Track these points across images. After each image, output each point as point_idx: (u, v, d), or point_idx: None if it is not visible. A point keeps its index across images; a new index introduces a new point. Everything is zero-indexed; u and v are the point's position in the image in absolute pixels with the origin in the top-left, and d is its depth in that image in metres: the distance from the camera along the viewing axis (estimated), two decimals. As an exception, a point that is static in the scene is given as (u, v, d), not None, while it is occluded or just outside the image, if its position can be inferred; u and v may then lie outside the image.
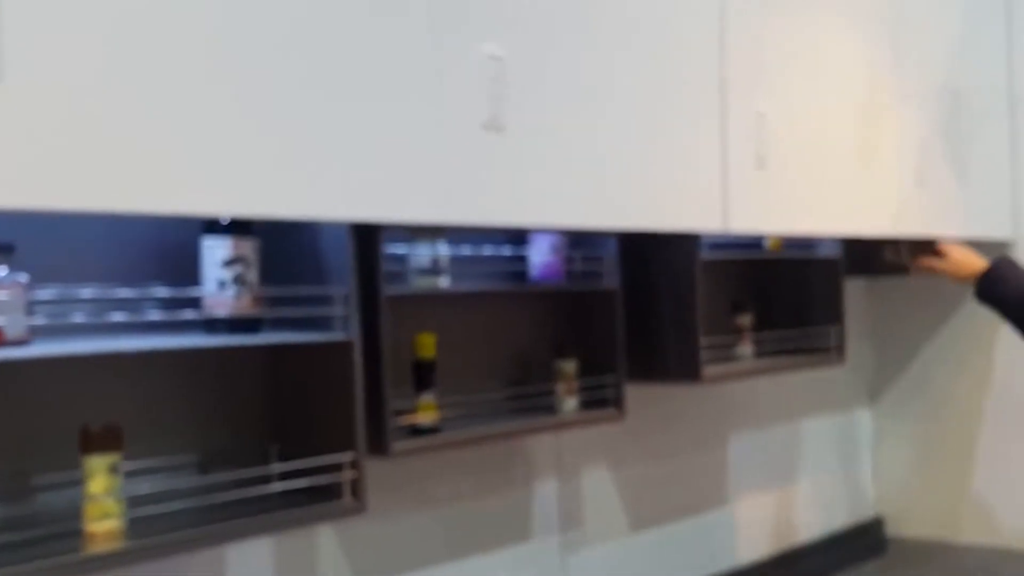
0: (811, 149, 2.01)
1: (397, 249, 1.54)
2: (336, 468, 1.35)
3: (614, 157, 1.60)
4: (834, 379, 2.69)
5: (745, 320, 2.19)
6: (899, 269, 2.37)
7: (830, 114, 2.07)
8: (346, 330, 1.33)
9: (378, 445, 1.42)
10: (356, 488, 1.35)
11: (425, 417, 1.56)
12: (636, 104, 1.64)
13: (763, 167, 1.87)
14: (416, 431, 1.55)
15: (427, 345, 1.58)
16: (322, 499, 1.35)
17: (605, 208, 1.60)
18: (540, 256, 1.80)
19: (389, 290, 1.43)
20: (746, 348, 2.18)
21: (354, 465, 1.35)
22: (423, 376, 1.57)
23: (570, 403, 1.78)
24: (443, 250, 1.58)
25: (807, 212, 2.01)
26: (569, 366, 1.78)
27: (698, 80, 1.76)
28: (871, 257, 2.37)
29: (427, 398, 1.57)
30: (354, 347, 1.34)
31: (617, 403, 1.80)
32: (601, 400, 1.81)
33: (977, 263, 2.10)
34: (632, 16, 1.63)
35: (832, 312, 2.26)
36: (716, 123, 1.78)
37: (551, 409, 1.78)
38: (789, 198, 1.95)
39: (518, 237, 1.81)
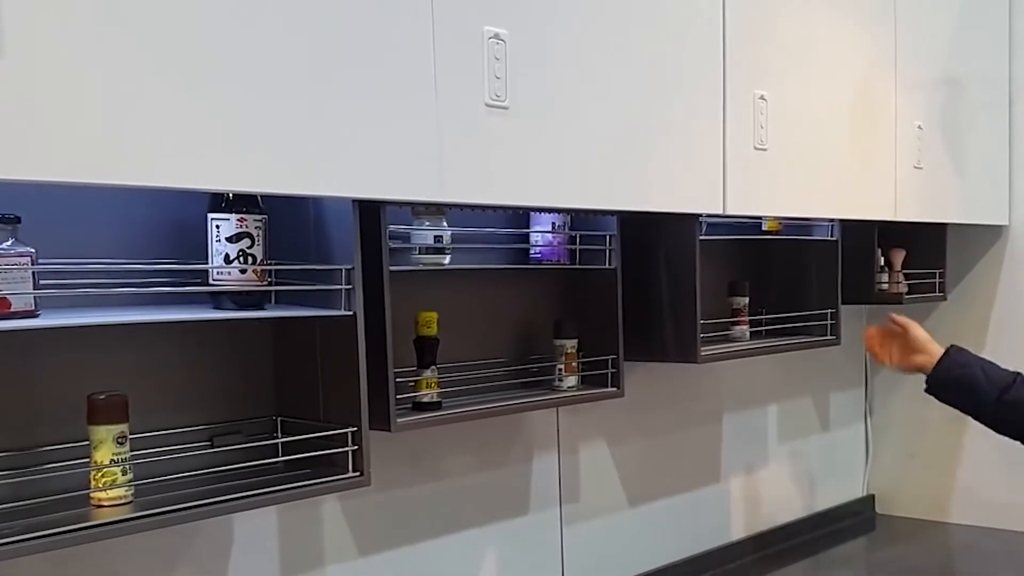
0: (810, 133, 2.02)
1: (401, 227, 1.55)
2: (340, 441, 1.37)
3: (616, 138, 1.61)
4: (828, 359, 2.72)
5: (742, 301, 2.21)
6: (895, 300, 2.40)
7: (829, 99, 2.08)
8: (350, 305, 1.35)
9: (381, 420, 1.44)
10: (359, 461, 1.37)
11: (427, 393, 1.58)
12: (639, 86, 1.65)
13: (762, 150, 1.88)
14: (419, 406, 1.57)
15: (430, 322, 1.60)
16: (326, 471, 1.37)
17: (606, 189, 1.61)
18: (542, 235, 1.81)
19: (393, 267, 1.45)
20: (743, 329, 2.20)
21: (357, 438, 1.36)
22: (426, 352, 1.59)
23: (570, 380, 1.80)
24: (446, 228, 1.60)
25: (805, 196, 2.03)
26: (569, 344, 1.80)
27: (700, 62, 1.77)
28: (867, 287, 2.42)
29: (429, 374, 1.59)
30: (358, 321, 1.35)
31: (616, 381, 1.82)
32: (601, 377, 1.83)
33: (927, 356, 1.77)
34: (636, -1, 1.64)
35: (828, 293, 2.28)
36: (717, 105, 1.79)
37: (551, 386, 1.80)
38: (788, 181, 1.96)
39: (520, 216, 1.82)
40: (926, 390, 1.78)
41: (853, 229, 2.29)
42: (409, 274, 1.59)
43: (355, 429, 1.36)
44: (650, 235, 1.91)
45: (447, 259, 1.61)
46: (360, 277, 1.35)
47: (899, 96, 2.26)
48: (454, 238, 1.62)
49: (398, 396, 1.48)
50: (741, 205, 1.84)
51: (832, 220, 2.23)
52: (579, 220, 1.82)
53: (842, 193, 2.13)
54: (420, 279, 1.66)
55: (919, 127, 2.33)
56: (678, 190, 1.74)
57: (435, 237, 1.59)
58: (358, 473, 1.37)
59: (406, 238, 1.58)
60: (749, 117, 1.85)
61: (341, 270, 1.35)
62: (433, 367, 1.59)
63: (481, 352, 1.81)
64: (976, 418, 1.78)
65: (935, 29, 2.41)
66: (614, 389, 1.83)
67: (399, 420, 1.48)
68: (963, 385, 1.73)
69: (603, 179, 1.60)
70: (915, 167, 2.33)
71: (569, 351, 1.80)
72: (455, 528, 1.86)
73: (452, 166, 1.38)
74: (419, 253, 1.59)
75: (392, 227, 1.46)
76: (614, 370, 1.82)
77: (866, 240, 2.39)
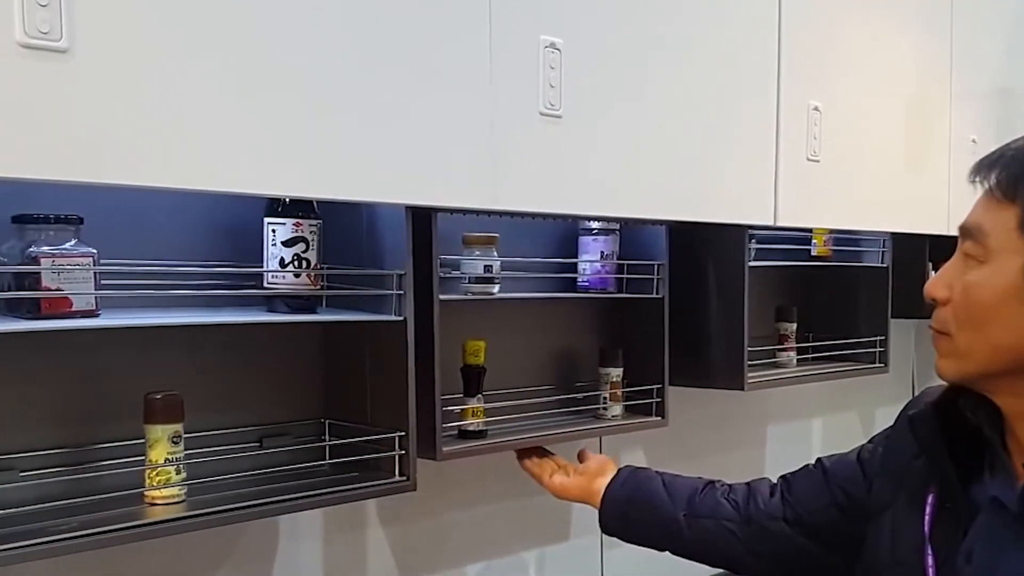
0: (863, 145, 2.00)
1: (452, 256, 1.55)
2: (387, 445, 1.37)
3: (668, 148, 1.61)
4: (875, 377, 2.66)
5: (789, 327, 2.18)
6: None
7: (882, 110, 2.06)
8: (401, 310, 1.35)
9: (427, 448, 1.42)
10: (406, 466, 1.36)
11: (473, 421, 1.56)
12: (692, 95, 1.65)
13: (815, 161, 1.87)
14: (464, 434, 1.55)
15: (477, 351, 1.57)
16: (373, 475, 1.37)
17: (657, 199, 1.61)
18: (590, 263, 1.79)
19: (442, 296, 1.42)
20: (790, 355, 2.17)
21: (404, 443, 1.36)
22: (472, 381, 1.56)
23: (615, 409, 1.77)
24: (496, 258, 1.59)
25: (857, 208, 2.00)
26: (615, 373, 1.77)
27: (754, 72, 1.76)
28: (917, 301, 2.37)
29: (476, 403, 1.56)
30: (408, 326, 1.35)
31: (661, 411, 1.79)
32: (646, 406, 1.80)
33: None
34: (691, 8, 1.64)
35: (877, 319, 2.24)
36: (771, 116, 1.78)
37: (596, 414, 1.77)
38: (840, 193, 1.94)
39: (569, 244, 1.80)
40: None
41: (904, 242, 2.26)
42: (457, 303, 1.57)
43: (403, 434, 1.36)
44: (698, 260, 1.89)
45: (496, 288, 1.60)
46: (411, 283, 1.36)
47: (953, 108, 2.23)
48: (502, 266, 1.61)
49: (444, 424, 1.45)
50: (792, 217, 1.82)
51: (883, 237, 2.20)
52: (627, 248, 1.79)
53: (895, 206, 2.10)
54: (468, 308, 1.64)
55: (973, 140, 2.29)
56: (729, 201, 1.73)
57: (485, 267, 1.58)
58: (404, 478, 1.36)
59: (455, 267, 1.57)
60: (802, 128, 1.84)
61: (393, 275, 1.35)
62: (479, 396, 1.57)
63: (526, 379, 1.79)
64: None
65: (990, 40, 2.38)
66: (659, 419, 1.80)
67: (445, 448, 1.46)
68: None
69: (654, 189, 1.60)
70: (969, 181, 2.29)
71: (614, 380, 1.77)
72: (497, 553, 1.83)
73: (505, 174, 1.38)
74: (468, 282, 1.59)
75: (442, 257, 1.44)
76: (659, 400, 1.79)
77: (917, 253, 2.34)
